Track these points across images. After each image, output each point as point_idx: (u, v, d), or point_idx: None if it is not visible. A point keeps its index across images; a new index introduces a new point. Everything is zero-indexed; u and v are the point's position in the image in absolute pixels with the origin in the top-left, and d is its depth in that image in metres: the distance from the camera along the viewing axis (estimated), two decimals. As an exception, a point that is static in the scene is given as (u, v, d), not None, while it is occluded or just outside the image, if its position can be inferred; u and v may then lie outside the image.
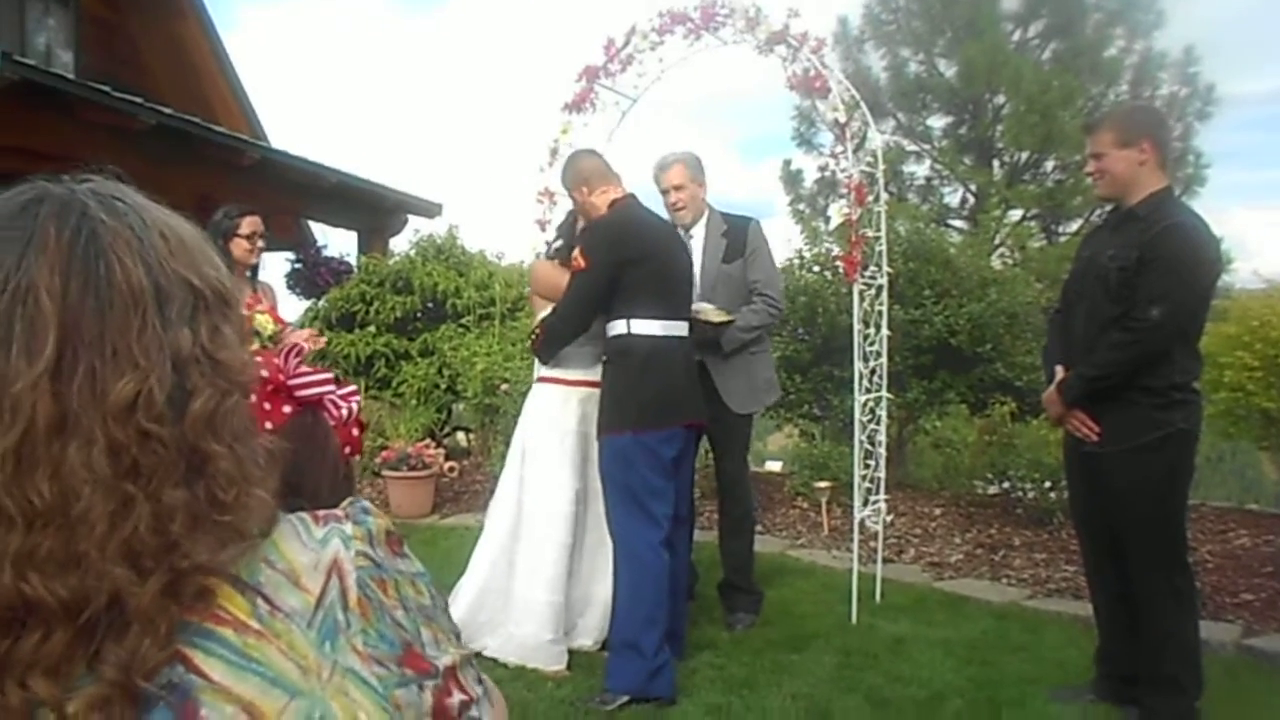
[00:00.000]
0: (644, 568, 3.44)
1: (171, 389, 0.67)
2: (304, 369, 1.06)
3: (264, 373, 1.03)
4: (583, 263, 3.53)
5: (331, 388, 1.08)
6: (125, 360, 0.66)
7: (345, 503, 0.77)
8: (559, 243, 4.05)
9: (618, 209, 3.64)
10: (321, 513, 0.75)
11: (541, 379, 3.98)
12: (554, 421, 3.85)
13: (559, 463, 3.82)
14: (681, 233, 4.17)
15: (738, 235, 4.17)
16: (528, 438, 3.92)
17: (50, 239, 0.67)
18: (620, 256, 3.52)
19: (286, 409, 1.04)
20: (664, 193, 4.19)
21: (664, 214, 4.08)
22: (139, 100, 6.51)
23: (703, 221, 4.20)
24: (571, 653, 3.77)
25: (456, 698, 0.75)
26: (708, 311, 3.94)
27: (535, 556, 3.77)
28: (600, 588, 3.80)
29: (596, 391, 3.70)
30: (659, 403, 3.51)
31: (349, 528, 0.74)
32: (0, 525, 0.64)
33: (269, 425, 1.01)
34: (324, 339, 4.04)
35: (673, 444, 3.53)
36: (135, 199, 0.73)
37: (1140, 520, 3.09)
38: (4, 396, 0.64)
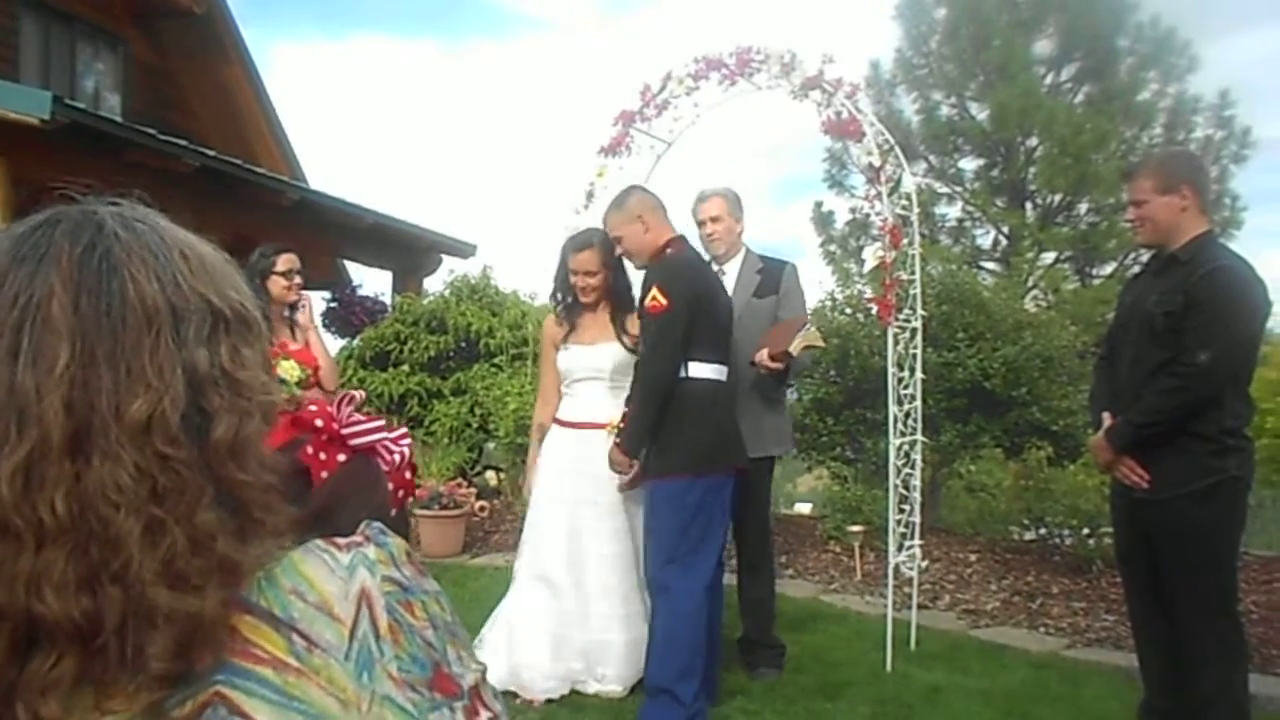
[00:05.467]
0: (682, 616, 3.39)
1: (187, 409, 0.66)
2: (357, 416, 1.08)
3: (318, 422, 1.05)
4: (664, 301, 3.42)
5: (384, 435, 1.10)
6: (139, 380, 0.65)
7: (362, 525, 0.76)
8: (569, 299, 3.95)
9: (681, 249, 3.60)
10: (342, 540, 0.73)
11: (586, 425, 3.89)
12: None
13: (628, 510, 3.85)
14: (715, 266, 4.17)
15: (772, 275, 4.15)
16: (598, 488, 3.82)
17: (63, 254, 0.67)
18: (696, 294, 3.49)
19: (341, 457, 1.05)
20: (700, 224, 4.19)
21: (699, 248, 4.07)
22: (183, 143, 6.67)
23: (738, 259, 4.19)
24: (599, 698, 3.76)
25: (484, 716, 0.74)
26: (814, 335, 3.88)
27: (607, 604, 3.80)
28: (615, 635, 3.79)
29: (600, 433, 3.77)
30: (716, 445, 3.48)
31: (371, 551, 0.73)
32: (8, 545, 0.62)
33: (324, 474, 1.03)
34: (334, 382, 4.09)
35: (727, 487, 3.51)
36: (156, 220, 0.73)
37: (1190, 568, 3.03)
38: (12, 409, 0.63)
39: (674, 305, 3.42)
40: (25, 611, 0.62)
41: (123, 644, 0.63)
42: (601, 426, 3.82)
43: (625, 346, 3.86)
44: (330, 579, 0.70)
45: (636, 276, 3.95)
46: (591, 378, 3.90)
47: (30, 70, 8.62)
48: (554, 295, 4.05)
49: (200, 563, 0.65)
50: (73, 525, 0.62)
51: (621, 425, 3.70)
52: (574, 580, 3.80)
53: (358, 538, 0.74)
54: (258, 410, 0.71)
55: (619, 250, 3.75)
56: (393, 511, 1.10)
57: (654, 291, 3.44)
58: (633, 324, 3.85)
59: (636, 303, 3.66)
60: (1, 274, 0.67)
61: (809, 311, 4.59)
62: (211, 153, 7.02)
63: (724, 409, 3.56)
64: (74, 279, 0.66)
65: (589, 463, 3.80)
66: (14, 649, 0.63)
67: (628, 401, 3.60)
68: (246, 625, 0.67)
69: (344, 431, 1.07)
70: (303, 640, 0.67)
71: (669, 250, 3.58)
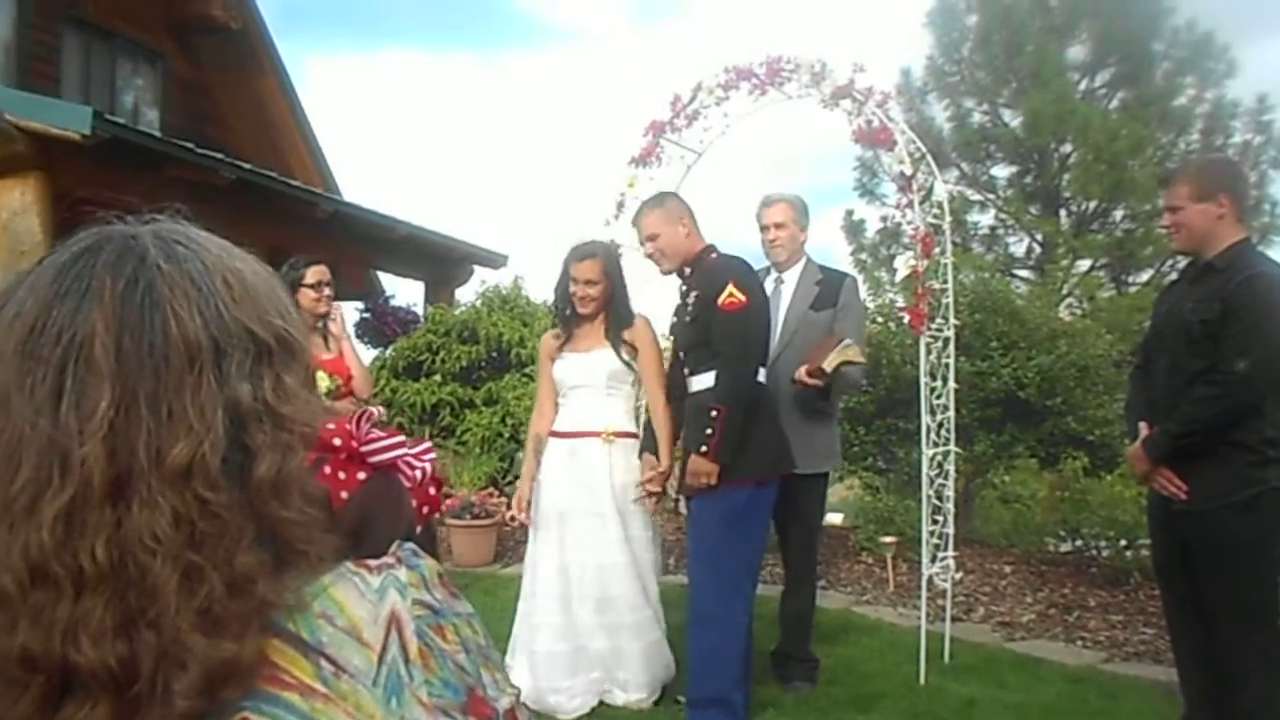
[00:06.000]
0: (737, 630, 3.40)
1: (228, 450, 0.65)
2: (375, 433, 1.05)
3: (336, 441, 1.03)
4: (742, 298, 3.42)
5: (405, 450, 1.07)
6: (180, 423, 0.63)
7: (393, 546, 0.74)
8: (569, 311, 3.96)
9: (721, 255, 3.63)
10: (373, 561, 0.72)
11: (580, 434, 3.90)
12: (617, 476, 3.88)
13: (625, 518, 3.86)
14: (774, 274, 4.18)
15: (831, 287, 4.12)
16: (595, 498, 3.85)
17: (105, 290, 0.65)
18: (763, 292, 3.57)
19: (361, 475, 1.03)
20: (763, 229, 4.17)
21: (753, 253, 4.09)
22: (219, 156, 6.76)
23: (798, 267, 4.17)
24: (627, 709, 3.76)
25: None
26: (852, 351, 3.83)
27: (610, 614, 3.80)
28: (628, 643, 3.79)
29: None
30: (779, 450, 3.50)
31: (403, 573, 0.71)
32: (47, 593, 0.61)
33: (344, 494, 1.01)
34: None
35: (775, 494, 3.52)
36: (199, 240, 0.71)
37: (1230, 580, 2.98)
38: (54, 454, 0.62)
39: (753, 301, 3.46)
40: (61, 660, 0.60)
41: (153, 686, 0.61)
42: (596, 434, 3.84)
43: (620, 357, 3.87)
44: (360, 603, 0.68)
45: (648, 286, 4.00)
46: (585, 384, 3.90)
47: (71, 86, 8.78)
48: (553, 306, 4.11)
49: (238, 606, 0.63)
50: (112, 573, 0.61)
51: (618, 435, 3.82)
52: (579, 593, 3.78)
53: (389, 559, 0.73)
54: (300, 443, 0.69)
55: (650, 249, 3.70)
56: (418, 528, 1.07)
57: (730, 289, 3.43)
58: (630, 337, 3.89)
59: (678, 305, 3.68)
60: (45, 307, 0.65)
61: (864, 326, 4.58)
62: (247, 166, 7.12)
63: (778, 413, 3.60)
64: (117, 316, 0.65)
65: (584, 471, 3.82)
66: (47, 699, 0.61)
67: (711, 404, 3.40)
68: (274, 650, 0.65)
69: (363, 449, 1.03)
70: (331, 665, 0.65)
71: (714, 255, 3.61)
